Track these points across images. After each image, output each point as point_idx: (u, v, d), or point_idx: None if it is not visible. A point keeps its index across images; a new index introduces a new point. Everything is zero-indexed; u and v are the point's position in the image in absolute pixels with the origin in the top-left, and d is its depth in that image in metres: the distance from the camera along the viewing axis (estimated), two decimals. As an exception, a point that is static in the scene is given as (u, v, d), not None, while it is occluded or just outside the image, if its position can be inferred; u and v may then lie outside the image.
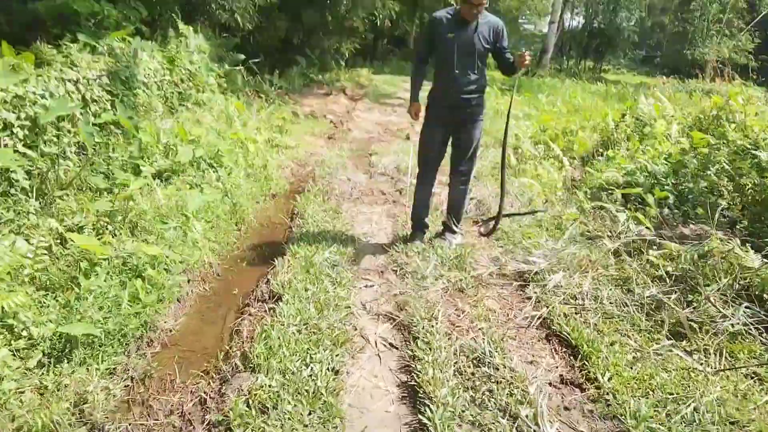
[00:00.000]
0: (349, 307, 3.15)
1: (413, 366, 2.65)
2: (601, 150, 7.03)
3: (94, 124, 4.74)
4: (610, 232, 4.18)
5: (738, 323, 2.76)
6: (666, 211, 4.45)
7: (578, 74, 26.04)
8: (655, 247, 3.72)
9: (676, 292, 3.14)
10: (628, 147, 6.66)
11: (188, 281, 3.41)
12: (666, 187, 4.76)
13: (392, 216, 5.08)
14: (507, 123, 4.23)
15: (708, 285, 3.11)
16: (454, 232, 4.34)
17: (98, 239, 3.26)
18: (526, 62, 3.81)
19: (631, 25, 32.34)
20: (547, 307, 3.15)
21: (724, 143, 5.51)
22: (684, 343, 2.74)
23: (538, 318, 3.07)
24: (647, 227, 4.15)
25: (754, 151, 5.42)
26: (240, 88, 9.47)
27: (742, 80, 11.36)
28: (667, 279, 3.30)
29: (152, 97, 6.90)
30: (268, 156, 6.29)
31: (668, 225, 4.40)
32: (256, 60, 11.04)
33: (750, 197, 5.08)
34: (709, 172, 5.03)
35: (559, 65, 29.72)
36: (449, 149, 4.17)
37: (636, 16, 32.09)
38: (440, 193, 5.34)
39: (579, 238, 4.13)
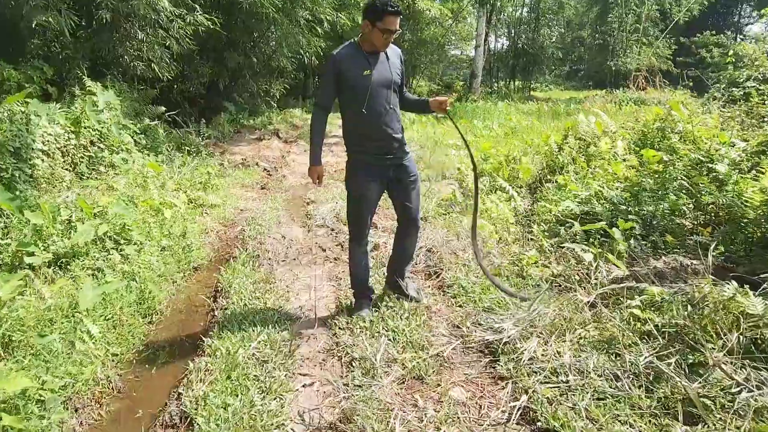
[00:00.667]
0: (283, 424, 2.48)
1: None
2: (548, 176, 6.65)
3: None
4: (579, 275, 3.69)
5: (761, 394, 2.25)
6: (632, 242, 4.01)
7: (509, 95, 26.33)
8: (635, 294, 3.23)
9: (673, 354, 2.63)
10: (576, 170, 6.30)
11: (75, 411, 2.66)
12: (630, 216, 4.34)
13: (334, 278, 4.46)
14: (472, 159, 3.80)
15: (710, 342, 2.62)
16: (405, 294, 3.77)
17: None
18: (448, 108, 3.48)
19: (553, 42, 33.21)
20: (527, 392, 2.58)
21: (678, 158, 5.17)
22: (701, 428, 2.20)
23: (518, 410, 2.49)
24: (619, 267, 3.68)
25: (709, 164, 5.11)
26: (162, 142, 8.72)
27: (666, 86, 11.47)
28: (659, 336, 2.80)
29: (56, 166, 6.12)
30: (188, 222, 5.57)
31: (640, 260, 3.95)
32: (175, 111, 10.33)
33: (713, 214, 4.73)
34: (668, 192, 4.66)
35: (490, 87, 30.07)
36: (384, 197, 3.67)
37: (556, 33, 32.96)
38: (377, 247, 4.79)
39: (547, 289, 3.61)
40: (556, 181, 6.14)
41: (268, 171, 9.44)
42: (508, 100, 21.97)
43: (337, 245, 5.30)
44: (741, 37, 47.10)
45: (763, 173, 4.98)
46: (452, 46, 34.10)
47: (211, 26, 10.17)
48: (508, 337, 3.03)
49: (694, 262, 3.87)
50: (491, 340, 3.08)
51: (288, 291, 4.17)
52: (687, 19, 32.05)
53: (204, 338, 3.33)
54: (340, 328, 3.43)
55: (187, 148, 9.46)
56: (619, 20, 30.36)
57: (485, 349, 3.09)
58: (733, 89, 10.30)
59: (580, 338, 2.96)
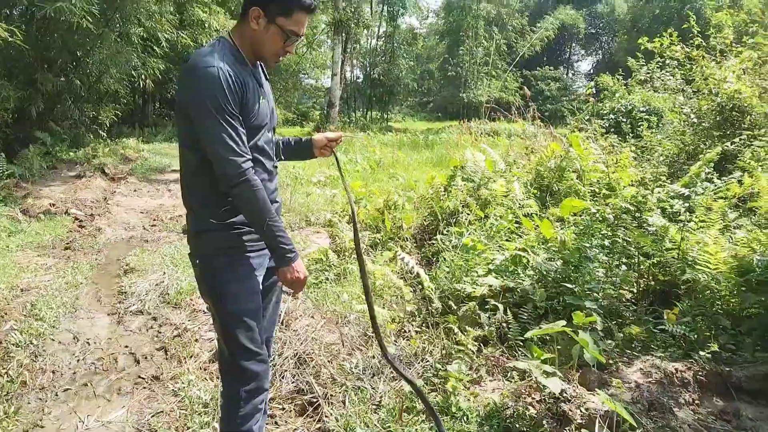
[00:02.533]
0: None
1: None
2: (436, 224, 5.45)
3: None
4: (537, 412, 2.38)
5: None
6: (595, 342, 2.80)
7: (368, 126, 25.62)
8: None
9: None
10: (470, 219, 5.16)
11: None
12: (572, 296, 3.16)
13: (149, 430, 2.76)
14: (354, 221, 2.33)
15: None
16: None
17: None
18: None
19: (409, 74, 33.45)
20: None
21: (604, 210, 4.16)
22: None
23: None
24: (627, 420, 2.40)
25: (636, 215, 4.17)
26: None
27: (516, 117, 11.14)
28: None
29: None
30: None
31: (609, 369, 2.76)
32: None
33: (651, 279, 3.75)
34: (614, 259, 3.60)
35: (348, 118, 29.25)
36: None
37: (407, 65, 33.23)
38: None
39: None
40: (448, 232, 4.94)
41: (81, 221, 7.31)
42: (368, 131, 21.12)
43: (159, 349, 3.59)
44: (572, 72, 51.55)
45: (696, 223, 4.14)
46: (306, 76, 33.05)
47: (10, 39, 7.91)
48: None
49: (675, 364, 2.76)
50: None
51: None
52: (531, 54, 33.92)
53: None
54: None
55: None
56: (469, 53, 31.16)
57: None
58: (597, 120, 10.08)
59: None
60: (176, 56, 15.81)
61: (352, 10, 24.81)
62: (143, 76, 14.42)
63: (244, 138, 1.83)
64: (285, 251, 1.87)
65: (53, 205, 8.07)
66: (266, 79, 2.07)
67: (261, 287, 2.03)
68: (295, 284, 1.92)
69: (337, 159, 2.39)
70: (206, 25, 15.15)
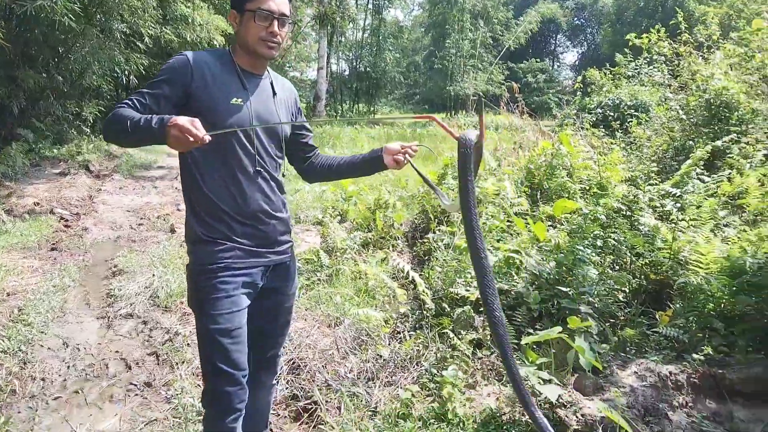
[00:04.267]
0: None
1: None
2: (427, 224, 5.44)
3: None
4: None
5: None
6: (590, 347, 2.81)
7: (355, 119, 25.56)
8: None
9: None
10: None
11: None
12: (566, 298, 3.16)
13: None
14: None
15: None
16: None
17: None
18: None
19: (395, 67, 33.40)
20: None
21: (595, 210, 4.17)
22: None
23: None
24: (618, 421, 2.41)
25: (632, 215, 4.19)
26: None
27: (498, 110, 11.19)
28: None
29: None
30: None
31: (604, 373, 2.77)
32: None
33: (644, 279, 3.77)
34: (599, 257, 3.61)
35: (335, 111, 29.14)
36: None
37: (393, 58, 33.17)
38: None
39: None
40: (440, 231, 4.93)
41: (66, 221, 7.22)
42: (356, 125, 21.04)
43: (150, 354, 3.55)
44: (558, 64, 51.77)
45: (685, 223, 4.17)
46: (291, 68, 32.82)
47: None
48: None
49: (669, 367, 2.77)
50: None
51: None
52: (516, 46, 33.98)
53: None
54: None
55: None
56: (455, 46, 31.13)
57: None
58: (585, 115, 10.13)
59: None
60: (160, 52, 15.59)
61: (338, 3, 24.65)
62: (126, 72, 14.17)
63: (147, 110, 1.75)
64: (154, 128, 1.61)
65: (38, 204, 7.95)
66: (273, 93, 2.00)
67: (246, 307, 1.94)
68: (181, 141, 1.57)
69: (416, 169, 2.16)
70: (190, 20, 14.92)
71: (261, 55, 1.90)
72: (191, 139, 1.53)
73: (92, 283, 4.94)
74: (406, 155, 2.04)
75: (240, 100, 1.87)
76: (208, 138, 1.54)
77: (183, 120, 1.54)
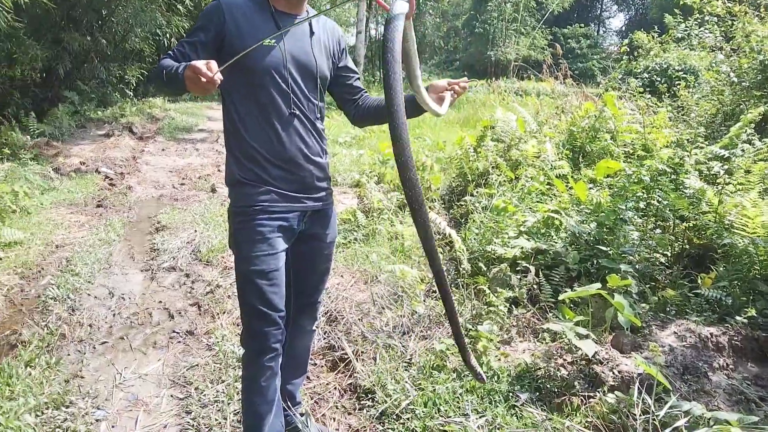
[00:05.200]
0: None
1: None
2: (464, 186, 5.39)
3: None
4: (570, 373, 2.38)
5: None
6: (630, 306, 2.77)
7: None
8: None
9: None
10: (500, 180, 5.08)
11: None
12: (607, 258, 3.11)
13: (181, 380, 2.83)
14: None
15: None
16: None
17: None
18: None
19: (435, 31, 32.79)
20: None
21: (640, 170, 4.05)
22: None
23: None
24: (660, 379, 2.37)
25: (674, 177, 4.06)
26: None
27: (540, 76, 10.87)
28: None
29: None
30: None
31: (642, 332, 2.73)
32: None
33: (687, 243, 3.67)
34: (641, 219, 3.53)
35: (373, 77, 28.87)
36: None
37: (433, 22, 32.53)
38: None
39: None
40: (478, 194, 4.89)
41: (111, 179, 7.42)
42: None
43: (192, 305, 3.65)
44: (603, 29, 50.02)
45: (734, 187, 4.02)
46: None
47: (39, -1, 7.93)
48: None
49: (710, 329, 2.72)
50: None
51: (91, 425, 2.48)
52: (560, 10, 32.91)
53: None
54: None
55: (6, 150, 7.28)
56: (498, 9, 30.34)
57: None
58: (632, 79, 9.78)
59: None
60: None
61: (378, -36, 24.15)
62: (168, 35, 14.28)
63: (186, 58, 1.76)
64: (179, 74, 1.61)
65: (83, 163, 8.19)
66: (312, 33, 1.94)
67: (284, 250, 1.95)
68: (195, 82, 1.53)
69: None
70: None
71: (291, 10, 1.88)
72: (203, 79, 1.51)
73: (136, 237, 5.09)
74: (453, 92, 1.90)
75: (270, 40, 1.81)
76: (219, 77, 1.54)
77: (198, 62, 1.54)
